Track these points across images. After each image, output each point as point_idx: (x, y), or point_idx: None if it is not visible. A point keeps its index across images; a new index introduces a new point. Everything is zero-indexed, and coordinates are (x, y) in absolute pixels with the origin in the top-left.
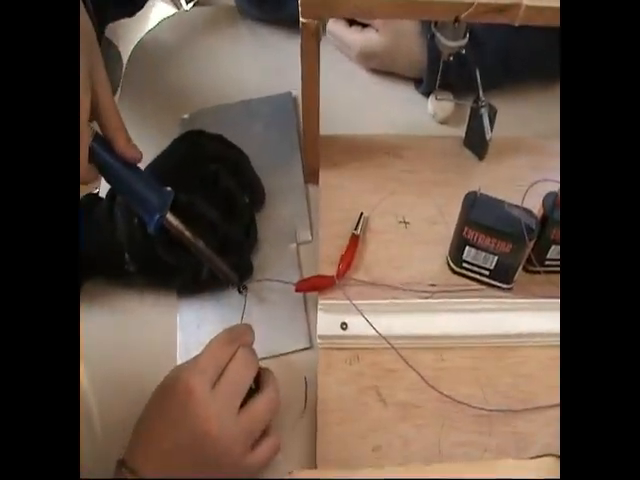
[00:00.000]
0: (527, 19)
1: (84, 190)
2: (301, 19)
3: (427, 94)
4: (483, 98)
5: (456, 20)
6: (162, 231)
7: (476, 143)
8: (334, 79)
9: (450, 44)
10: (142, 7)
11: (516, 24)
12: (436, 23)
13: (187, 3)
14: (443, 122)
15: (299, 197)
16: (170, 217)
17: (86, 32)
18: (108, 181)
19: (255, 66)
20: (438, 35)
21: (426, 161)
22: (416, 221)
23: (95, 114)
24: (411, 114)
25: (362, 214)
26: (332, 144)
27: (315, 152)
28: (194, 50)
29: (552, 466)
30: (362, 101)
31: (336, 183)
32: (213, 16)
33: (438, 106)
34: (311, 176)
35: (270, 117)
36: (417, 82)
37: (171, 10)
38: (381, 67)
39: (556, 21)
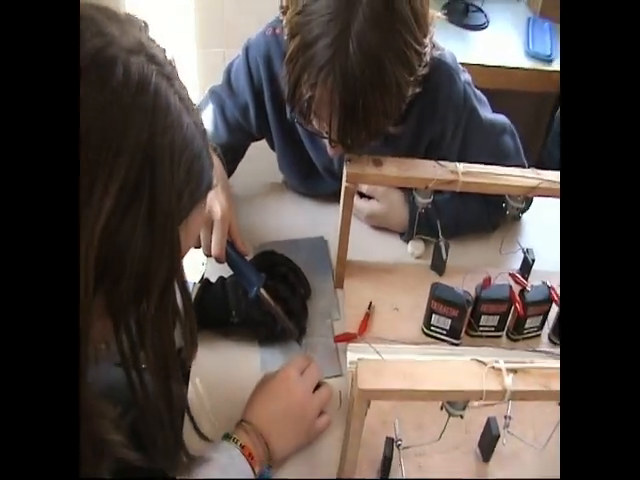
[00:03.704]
0: (464, 188)
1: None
2: (345, 184)
3: (407, 241)
4: (442, 238)
5: (426, 187)
6: (257, 298)
7: (438, 266)
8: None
9: (422, 201)
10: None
11: (457, 190)
12: (415, 189)
13: None
14: (418, 257)
15: (331, 294)
16: (262, 290)
17: (224, 177)
18: (229, 263)
19: (298, 220)
20: (416, 195)
21: (408, 277)
22: (403, 308)
23: None
24: (398, 253)
25: (371, 303)
26: (352, 265)
27: (342, 269)
28: (257, 207)
29: (475, 366)
30: (367, 245)
31: (354, 286)
32: (268, 188)
33: (415, 247)
34: (339, 283)
35: (310, 250)
36: (401, 234)
37: None
38: (379, 224)
39: (480, 190)
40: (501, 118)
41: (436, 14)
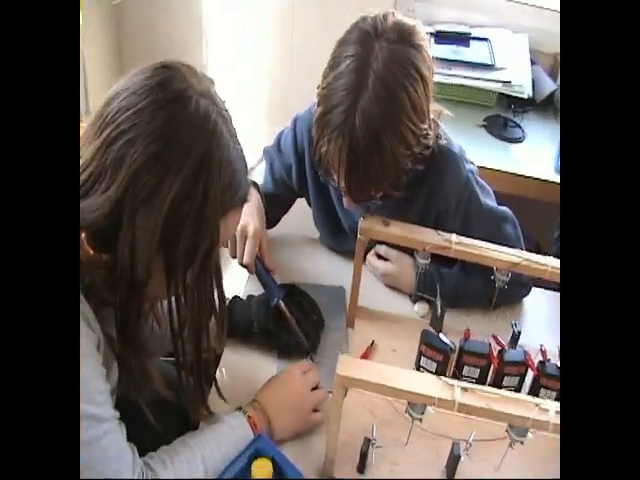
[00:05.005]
0: (457, 255)
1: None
2: (359, 236)
3: (414, 302)
4: (440, 300)
5: (423, 249)
6: (276, 310)
7: (436, 324)
8: (365, 286)
9: (421, 261)
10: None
11: (451, 255)
12: (416, 250)
13: None
14: (422, 316)
15: (343, 331)
16: (281, 303)
17: (261, 208)
18: (257, 274)
19: (325, 270)
20: (416, 256)
21: (409, 328)
22: (400, 351)
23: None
24: (405, 310)
25: (373, 341)
26: (364, 310)
27: (354, 311)
28: (294, 256)
29: (434, 380)
30: (380, 298)
31: (363, 328)
32: (305, 241)
33: (420, 308)
34: (351, 323)
35: (330, 295)
36: (410, 295)
37: None
38: (391, 283)
39: (470, 258)
40: (502, 208)
41: (445, 111)
